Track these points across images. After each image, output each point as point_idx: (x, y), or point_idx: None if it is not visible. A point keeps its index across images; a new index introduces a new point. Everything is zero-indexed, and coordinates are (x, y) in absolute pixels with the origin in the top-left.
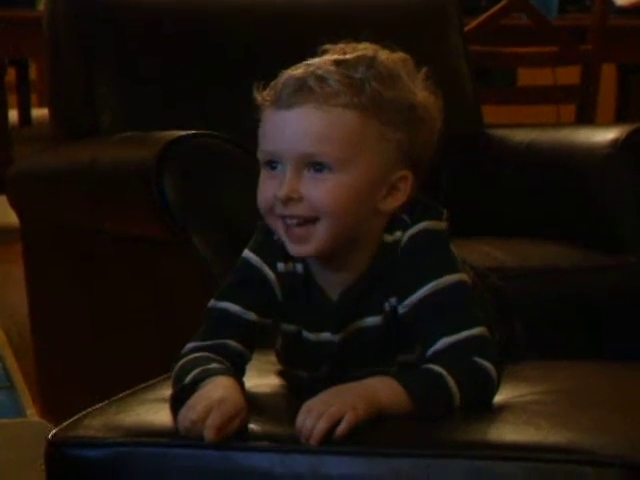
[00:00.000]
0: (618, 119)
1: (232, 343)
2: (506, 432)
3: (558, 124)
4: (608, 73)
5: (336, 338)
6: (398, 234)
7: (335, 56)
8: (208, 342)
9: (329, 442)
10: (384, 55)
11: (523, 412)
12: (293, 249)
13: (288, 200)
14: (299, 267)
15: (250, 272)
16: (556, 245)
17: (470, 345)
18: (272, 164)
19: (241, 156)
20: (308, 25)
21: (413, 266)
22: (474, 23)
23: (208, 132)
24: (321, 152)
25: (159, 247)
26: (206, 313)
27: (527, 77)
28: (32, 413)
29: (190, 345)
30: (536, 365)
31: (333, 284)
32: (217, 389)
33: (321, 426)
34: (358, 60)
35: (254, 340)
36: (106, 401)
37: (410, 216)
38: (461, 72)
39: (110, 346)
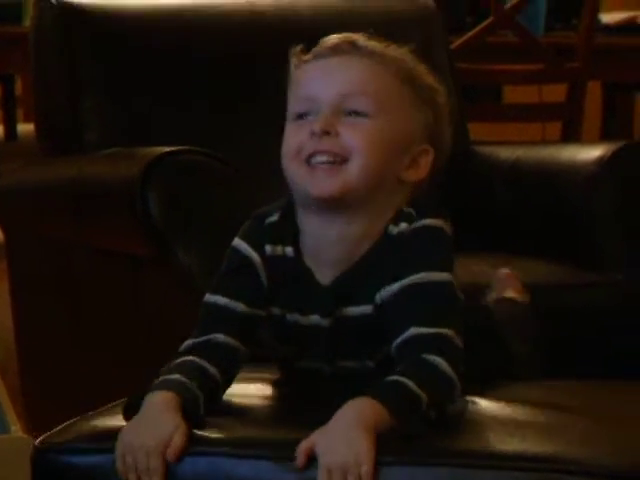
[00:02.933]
0: (604, 137)
1: (222, 337)
2: (492, 441)
3: (544, 142)
4: (594, 91)
5: (325, 322)
6: (403, 225)
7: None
8: (199, 339)
9: None
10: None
11: (509, 422)
12: (317, 188)
13: (324, 134)
14: (289, 250)
15: (237, 260)
16: (540, 262)
17: (435, 342)
18: (304, 114)
19: (226, 172)
20: (294, 39)
21: (410, 257)
22: (460, 40)
23: (193, 148)
24: (360, 95)
25: (144, 263)
26: (200, 309)
27: (513, 94)
28: (16, 429)
29: (185, 343)
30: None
31: (326, 266)
32: (148, 418)
33: None
34: (390, 44)
35: (248, 332)
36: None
37: (416, 210)
38: (447, 89)
39: (95, 361)
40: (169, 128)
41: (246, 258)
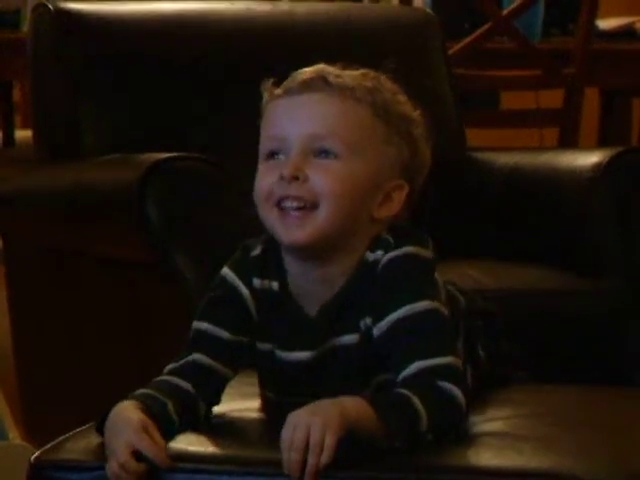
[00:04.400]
0: (601, 143)
1: (201, 357)
2: (489, 456)
3: (541, 148)
4: (591, 97)
5: (310, 356)
6: (379, 253)
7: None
8: (180, 362)
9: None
10: (385, 77)
11: (505, 436)
12: (286, 236)
13: (293, 179)
14: (275, 284)
15: (225, 289)
16: (537, 268)
17: (441, 371)
18: (275, 154)
19: (223, 178)
20: (291, 45)
21: (390, 288)
22: (457, 46)
23: (191, 154)
24: (331, 136)
25: (142, 270)
26: (188, 335)
27: (510, 100)
28: (14, 436)
29: (167, 367)
30: (520, 388)
31: (311, 299)
32: (112, 425)
33: (313, 462)
34: (365, 74)
35: (232, 358)
36: (88, 424)
37: (394, 238)
38: (444, 95)
39: (93, 369)
40: (167, 134)
41: (234, 289)
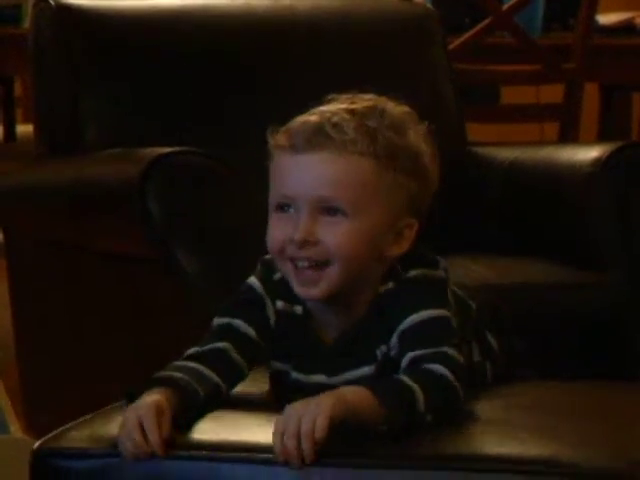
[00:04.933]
0: (601, 137)
1: (230, 349)
2: (489, 445)
3: (541, 142)
4: (591, 92)
5: (326, 381)
6: (390, 285)
7: (346, 105)
8: (205, 347)
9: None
10: (392, 106)
11: (506, 425)
12: (302, 291)
13: (304, 243)
14: (298, 308)
15: (253, 296)
16: (538, 262)
17: (429, 357)
18: (284, 207)
19: (225, 172)
20: (291, 40)
21: (399, 308)
22: (458, 41)
23: (192, 149)
24: (337, 197)
25: (143, 264)
26: (209, 329)
27: (510, 95)
28: (16, 429)
29: (188, 351)
30: (525, 383)
31: (331, 327)
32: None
33: (307, 446)
34: (370, 110)
35: (253, 357)
36: (92, 413)
37: (403, 266)
38: (445, 90)
39: (94, 362)
40: (168, 128)
41: (261, 299)
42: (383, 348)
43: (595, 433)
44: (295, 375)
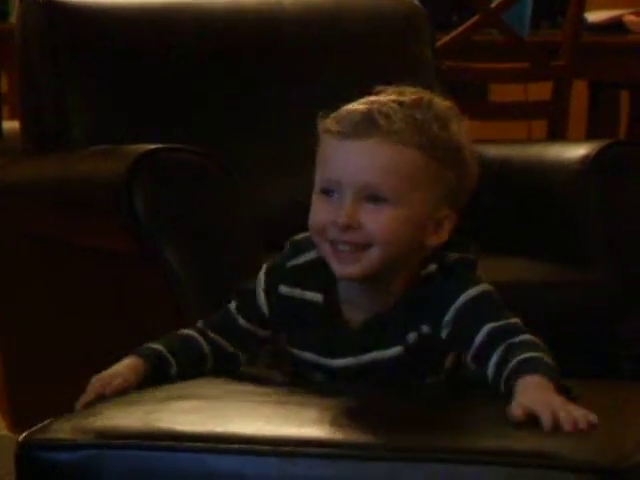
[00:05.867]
0: (589, 135)
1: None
2: (480, 437)
3: (529, 140)
4: (580, 89)
5: (352, 364)
6: (432, 267)
7: (394, 97)
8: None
9: None
10: (437, 100)
11: (497, 418)
12: (340, 269)
13: (347, 227)
14: (317, 296)
15: (251, 285)
16: (525, 260)
17: (512, 329)
18: (328, 192)
19: (212, 169)
20: (281, 40)
21: (443, 291)
22: (446, 38)
23: (179, 145)
24: (382, 184)
25: (129, 259)
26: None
27: (499, 93)
28: (1, 427)
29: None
30: None
31: (360, 310)
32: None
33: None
34: (417, 102)
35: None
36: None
37: (445, 250)
38: (432, 88)
39: (80, 358)
40: (155, 125)
41: (253, 290)
42: (412, 335)
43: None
44: (317, 359)
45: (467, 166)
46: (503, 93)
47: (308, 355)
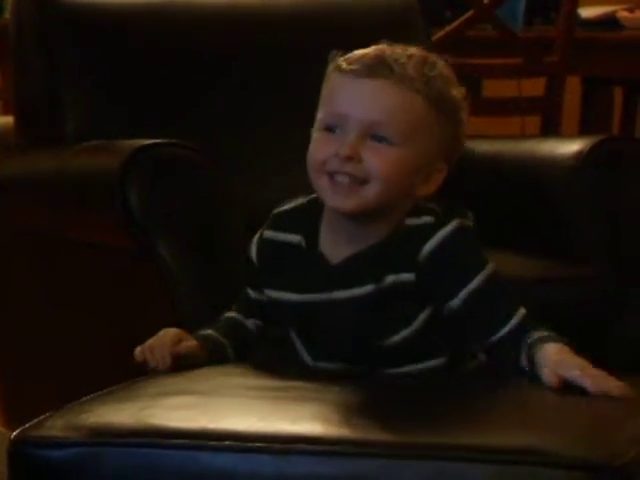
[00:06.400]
0: (582, 131)
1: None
2: (473, 434)
3: (523, 135)
4: (573, 85)
5: (323, 299)
6: (427, 218)
7: (402, 50)
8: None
9: None
10: (441, 62)
11: (489, 414)
12: (334, 201)
13: (349, 159)
14: (296, 238)
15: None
16: (519, 256)
17: (528, 323)
18: (332, 128)
19: (206, 165)
20: (275, 37)
21: (453, 265)
22: (439, 34)
23: (173, 141)
24: (388, 124)
25: (123, 254)
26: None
27: (492, 88)
28: None
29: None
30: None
31: (341, 248)
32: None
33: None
34: (424, 58)
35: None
36: (69, 404)
37: (439, 207)
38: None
39: (75, 355)
40: (150, 121)
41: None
42: (390, 278)
43: (577, 423)
44: (292, 298)
45: (462, 126)
46: (496, 89)
47: (284, 295)
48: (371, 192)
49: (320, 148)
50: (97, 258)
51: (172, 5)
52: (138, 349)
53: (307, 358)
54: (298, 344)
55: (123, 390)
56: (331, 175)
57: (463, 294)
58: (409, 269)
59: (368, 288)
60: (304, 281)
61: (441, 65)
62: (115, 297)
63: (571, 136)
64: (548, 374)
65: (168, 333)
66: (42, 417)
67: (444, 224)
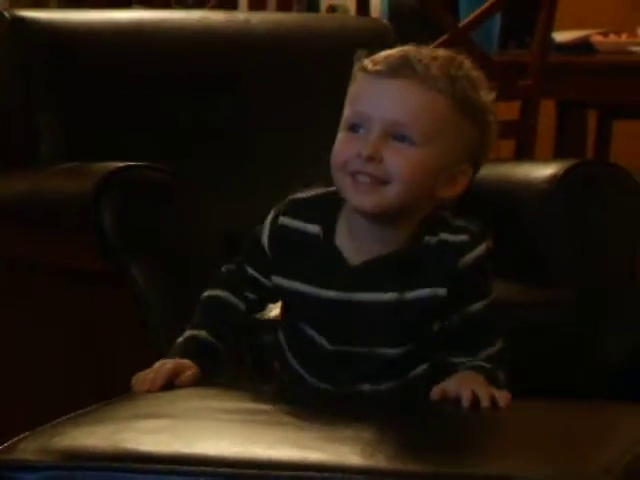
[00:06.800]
0: (556, 155)
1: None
2: (450, 462)
3: (497, 159)
4: (547, 109)
5: (343, 299)
6: (464, 237)
7: (428, 52)
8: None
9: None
10: (469, 64)
11: (466, 442)
12: (356, 200)
13: (370, 159)
14: (317, 229)
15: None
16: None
17: (498, 357)
18: (356, 127)
19: (180, 187)
20: (250, 58)
21: (472, 285)
22: None
23: (147, 163)
24: (411, 125)
25: (97, 279)
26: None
27: None
28: None
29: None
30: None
31: (354, 251)
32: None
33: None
34: (451, 60)
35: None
36: (41, 427)
37: (455, 219)
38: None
39: (50, 378)
40: (123, 143)
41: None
42: (426, 291)
43: (556, 451)
44: (306, 289)
45: (491, 131)
46: None
47: (298, 285)
48: (392, 192)
49: (343, 149)
50: (70, 283)
51: (145, 28)
52: (133, 381)
53: (325, 343)
54: (310, 331)
55: (96, 412)
56: (353, 175)
57: (464, 313)
58: (442, 284)
59: (391, 295)
60: (321, 276)
61: (468, 66)
62: (88, 321)
63: (545, 160)
64: (435, 390)
65: (165, 366)
66: (14, 440)
67: (479, 244)
